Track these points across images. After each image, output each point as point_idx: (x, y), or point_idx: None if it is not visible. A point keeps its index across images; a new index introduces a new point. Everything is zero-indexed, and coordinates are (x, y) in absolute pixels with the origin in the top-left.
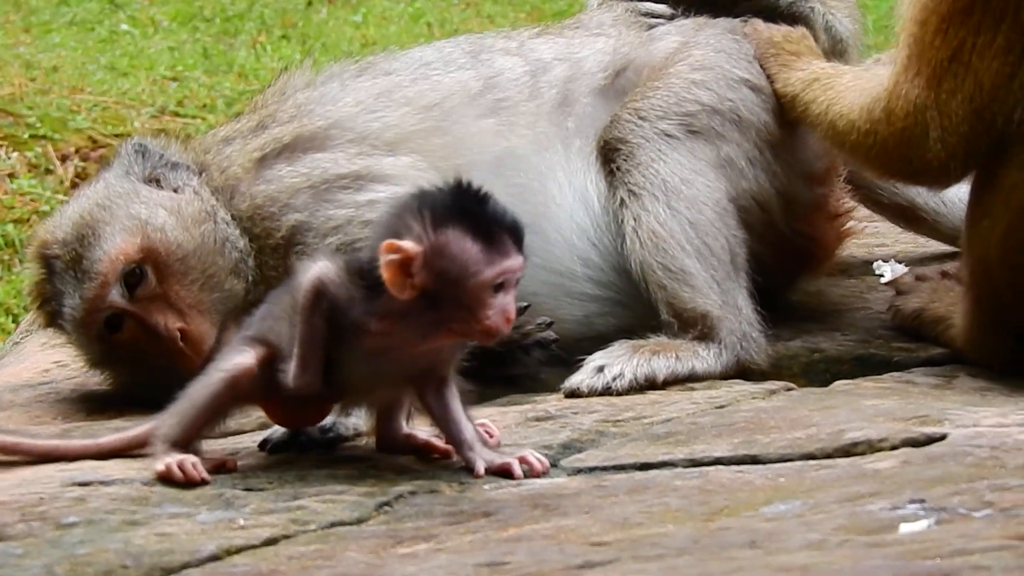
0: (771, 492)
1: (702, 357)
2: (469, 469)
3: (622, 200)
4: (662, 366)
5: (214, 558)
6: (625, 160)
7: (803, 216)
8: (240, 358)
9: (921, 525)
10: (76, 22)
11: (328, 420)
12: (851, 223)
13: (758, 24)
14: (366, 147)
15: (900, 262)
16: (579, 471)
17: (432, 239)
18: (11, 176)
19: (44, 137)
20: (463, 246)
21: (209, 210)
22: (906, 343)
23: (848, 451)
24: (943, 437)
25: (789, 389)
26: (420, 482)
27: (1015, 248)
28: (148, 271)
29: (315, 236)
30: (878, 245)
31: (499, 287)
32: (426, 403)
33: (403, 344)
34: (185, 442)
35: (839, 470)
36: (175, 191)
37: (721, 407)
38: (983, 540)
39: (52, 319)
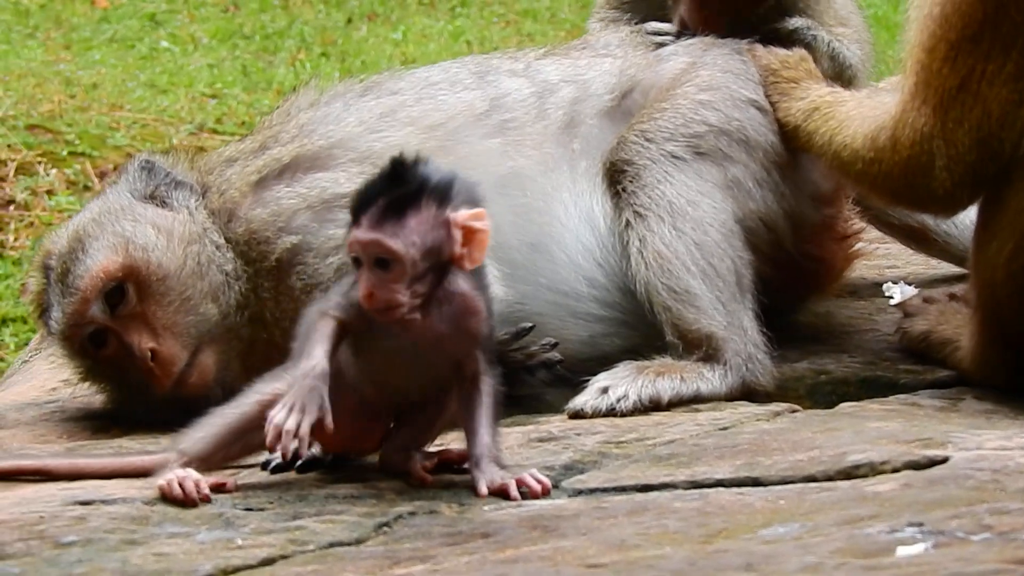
0: (770, 514)
1: (707, 379)
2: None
3: (628, 221)
4: (667, 388)
5: None
6: (631, 181)
7: (811, 237)
8: (278, 384)
9: (918, 548)
10: (116, 39)
11: None
12: (860, 244)
13: (757, 50)
14: (368, 167)
15: (910, 284)
16: (580, 492)
17: None
18: (49, 193)
19: (83, 154)
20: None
21: (200, 232)
22: (913, 365)
23: (849, 473)
24: (945, 460)
25: (794, 411)
26: (420, 503)
27: (1021, 270)
28: (130, 289)
29: (315, 256)
30: (889, 267)
31: (356, 261)
32: (457, 407)
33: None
34: (205, 460)
35: (839, 493)
36: (172, 210)
37: (725, 429)
38: (980, 564)
39: (48, 330)
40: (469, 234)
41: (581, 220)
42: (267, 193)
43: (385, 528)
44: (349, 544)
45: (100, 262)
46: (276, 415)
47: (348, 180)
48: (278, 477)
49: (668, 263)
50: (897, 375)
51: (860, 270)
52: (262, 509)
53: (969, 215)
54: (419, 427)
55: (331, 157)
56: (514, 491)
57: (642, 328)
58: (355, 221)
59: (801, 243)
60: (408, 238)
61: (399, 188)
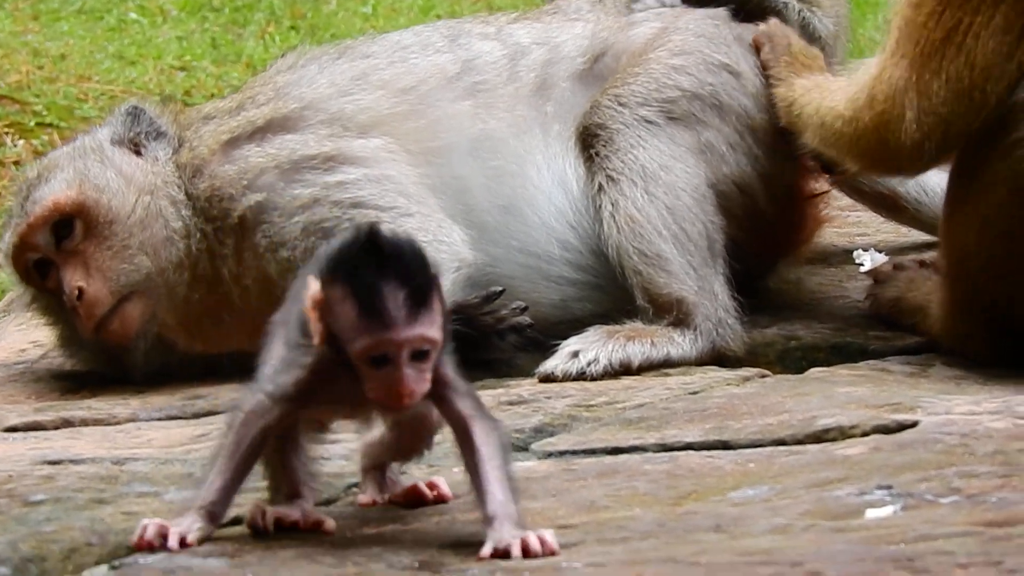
0: (739, 477)
1: (677, 343)
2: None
3: (600, 185)
4: (637, 352)
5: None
6: (604, 146)
7: (784, 200)
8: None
9: (887, 511)
10: (85, 10)
11: None
12: (829, 207)
13: (777, 26)
14: (338, 128)
15: (880, 251)
16: (550, 455)
17: (325, 290)
18: (16, 164)
19: (51, 125)
20: (344, 307)
21: (158, 184)
22: (883, 331)
23: (819, 437)
24: (914, 424)
25: (764, 376)
26: None
27: (993, 237)
28: (77, 225)
29: (280, 215)
30: (859, 234)
31: (381, 359)
32: (461, 452)
33: (338, 384)
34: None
35: (809, 456)
36: (142, 159)
37: (695, 393)
38: (948, 526)
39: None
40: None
41: (554, 183)
42: (236, 152)
43: (355, 488)
44: (318, 504)
45: (54, 193)
46: (145, 524)
47: (317, 142)
48: None
49: (640, 227)
50: (867, 341)
51: (830, 237)
52: None
53: (940, 182)
54: (403, 436)
55: (302, 119)
56: (516, 552)
57: (613, 292)
58: (383, 320)
59: (775, 205)
60: (439, 321)
61: (415, 272)
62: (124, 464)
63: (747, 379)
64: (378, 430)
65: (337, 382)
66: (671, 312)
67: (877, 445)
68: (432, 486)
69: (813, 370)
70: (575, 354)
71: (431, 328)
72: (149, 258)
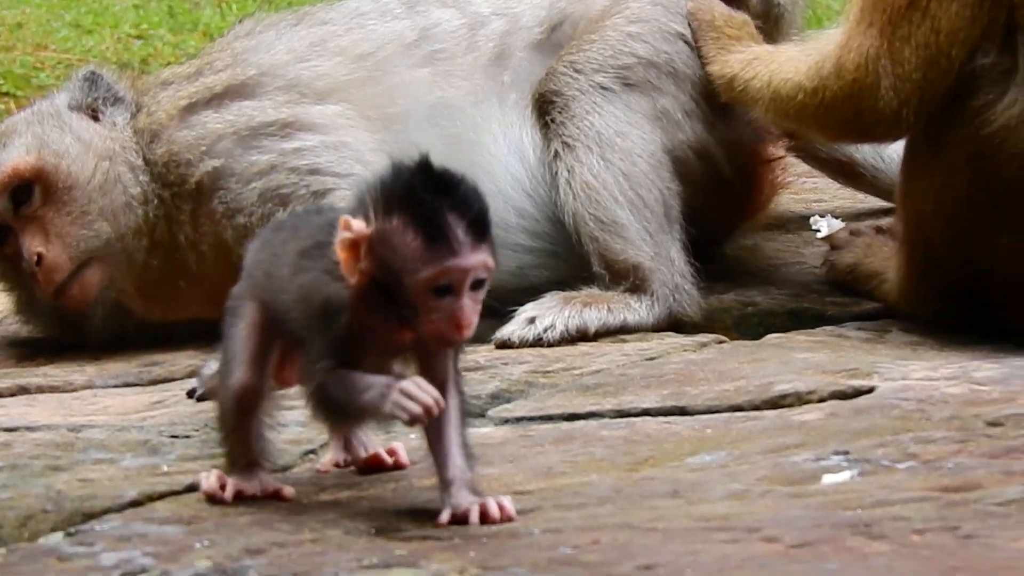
0: (697, 443)
1: (634, 309)
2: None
3: (556, 152)
4: (593, 318)
5: (136, 503)
6: (560, 112)
7: (742, 165)
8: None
9: (844, 476)
10: None
11: None
12: (785, 175)
13: (701, 3)
14: (295, 95)
15: (837, 217)
16: (506, 421)
17: (378, 223)
18: None
19: (7, 94)
20: (404, 238)
21: (116, 149)
22: (840, 297)
23: (776, 403)
24: (871, 390)
25: (720, 342)
26: None
27: (950, 202)
28: (36, 190)
29: (237, 181)
30: (816, 200)
31: (445, 289)
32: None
33: (376, 330)
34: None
35: (766, 422)
36: (100, 124)
37: (652, 359)
38: (904, 491)
39: None
40: None
41: (510, 151)
42: (194, 118)
43: (311, 455)
44: (276, 471)
45: (13, 159)
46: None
47: (274, 108)
48: (204, 405)
49: (596, 194)
50: (824, 307)
51: (787, 203)
52: (187, 436)
53: (898, 149)
54: None
55: (259, 85)
56: (475, 518)
57: (570, 259)
58: (450, 247)
59: (733, 170)
60: (494, 249)
61: (475, 199)
62: (80, 431)
63: (704, 345)
64: None
65: (374, 328)
66: (627, 278)
67: (834, 411)
68: (391, 452)
69: (770, 336)
70: (532, 320)
71: (491, 256)
72: (109, 224)
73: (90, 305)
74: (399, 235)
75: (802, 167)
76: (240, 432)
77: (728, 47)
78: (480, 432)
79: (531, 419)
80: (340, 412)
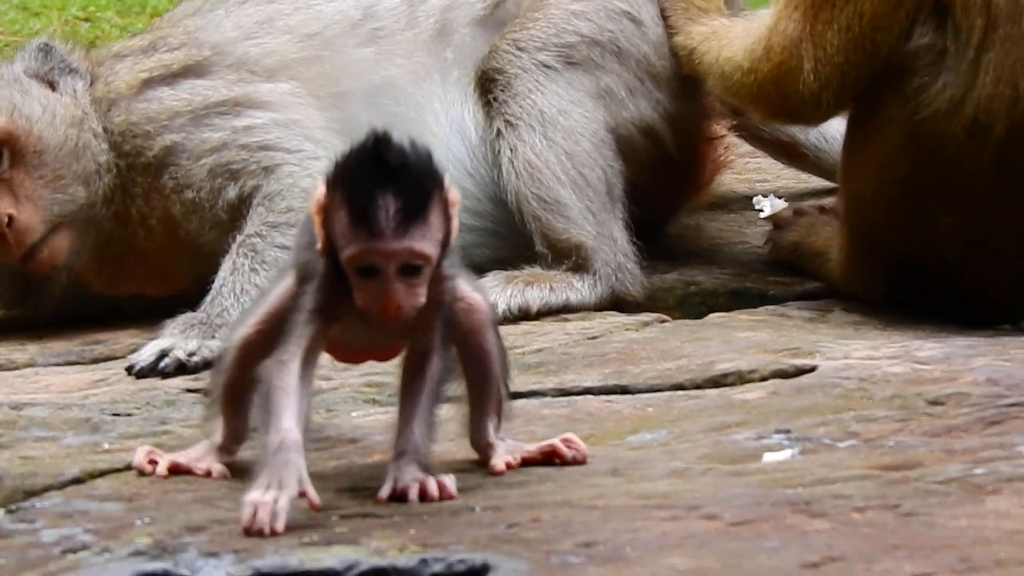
0: (638, 422)
1: (576, 288)
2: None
3: (499, 130)
4: (536, 297)
5: (77, 481)
6: (502, 91)
7: (687, 143)
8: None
9: (785, 455)
10: None
11: (193, 345)
12: (729, 155)
13: None
14: (245, 73)
15: (780, 197)
16: (448, 399)
17: (328, 194)
18: None
19: None
20: (339, 213)
21: (80, 116)
22: (782, 277)
23: (717, 382)
24: (813, 369)
25: (663, 321)
26: None
27: (890, 182)
28: (4, 153)
29: (188, 158)
30: (759, 180)
31: (368, 270)
32: (399, 385)
33: (341, 299)
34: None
35: (707, 400)
36: (59, 93)
37: (594, 338)
38: (845, 469)
39: None
40: (454, 207)
41: (452, 130)
42: (151, 92)
43: (254, 432)
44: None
45: None
46: (253, 494)
47: (226, 87)
48: (145, 383)
49: (539, 172)
50: (766, 287)
51: (731, 183)
52: (129, 415)
53: (841, 129)
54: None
55: (212, 65)
56: (413, 495)
57: (512, 238)
58: (371, 229)
59: (678, 148)
60: (434, 236)
61: (411, 182)
62: (22, 409)
63: (646, 324)
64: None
65: (340, 297)
66: (570, 257)
67: (775, 389)
68: (568, 443)
69: (712, 315)
70: None
71: (422, 242)
72: (83, 189)
73: (59, 270)
74: (336, 209)
75: (745, 147)
76: (240, 407)
77: (695, 18)
78: None
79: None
80: (258, 400)
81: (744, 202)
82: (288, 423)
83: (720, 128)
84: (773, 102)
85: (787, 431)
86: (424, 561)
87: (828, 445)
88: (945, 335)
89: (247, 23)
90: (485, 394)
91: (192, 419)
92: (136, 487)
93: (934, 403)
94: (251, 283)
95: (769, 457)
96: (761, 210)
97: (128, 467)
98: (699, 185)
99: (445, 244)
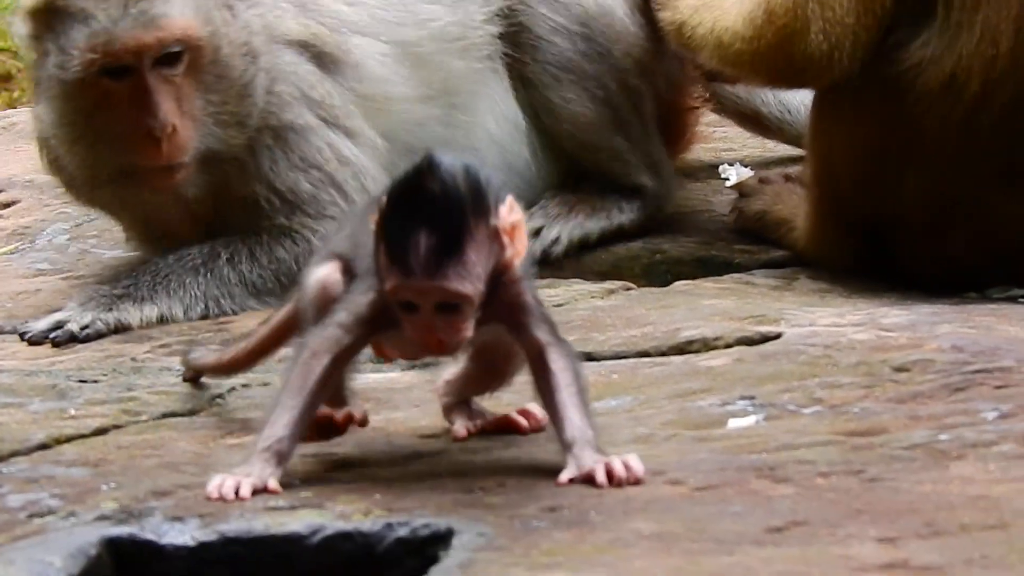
0: (603, 388)
1: (626, 211)
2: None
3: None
4: (595, 227)
5: (43, 447)
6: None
7: (664, 113)
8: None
9: (749, 421)
10: None
11: (88, 318)
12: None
13: None
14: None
15: (746, 165)
16: (412, 366)
17: (377, 219)
18: None
19: None
20: (378, 245)
21: (256, 50)
22: (748, 245)
23: (682, 349)
24: (778, 336)
25: (628, 289)
26: (254, 375)
27: (859, 143)
28: (184, 57)
29: (289, 155)
30: (725, 149)
31: (407, 305)
32: (535, 390)
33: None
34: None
35: (672, 367)
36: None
37: (559, 305)
38: (809, 435)
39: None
40: (512, 231)
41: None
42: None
43: (218, 400)
44: (182, 415)
45: (177, 17)
46: (216, 480)
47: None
48: (113, 349)
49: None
50: (732, 255)
51: (697, 152)
52: (96, 381)
53: (804, 100)
54: (484, 369)
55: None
56: (601, 476)
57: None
58: (404, 267)
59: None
60: (473, 273)
61: (447, 219)
62: None
63: (612, 292)
64: (456, 366)
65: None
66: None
67: (740, 356)
68: (524, 413)
69: (678, 283)
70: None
71: (458, 282)
72: (238, 134)
73: (172, 203)
74: (376, 240)
75: (711, 116)
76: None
77: None
78: (386, 376)
79: (437, 364)
80: (284, 374)
81: (710, 171)
82: (286, 431)
83: (695, 99)
84: (778, 67)
85: (752, 398)
86: (389, 525)
87: (793, 411)
88: (910, 303)
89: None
90: (492, 380)
91: (158, 386)
92: (102, 452)
93: (899, 370)
94: (183, 278)
95: (734, 423)
96: (727, 179)
97: (95, 432)
98: (674, 153)
99: (496, 273)
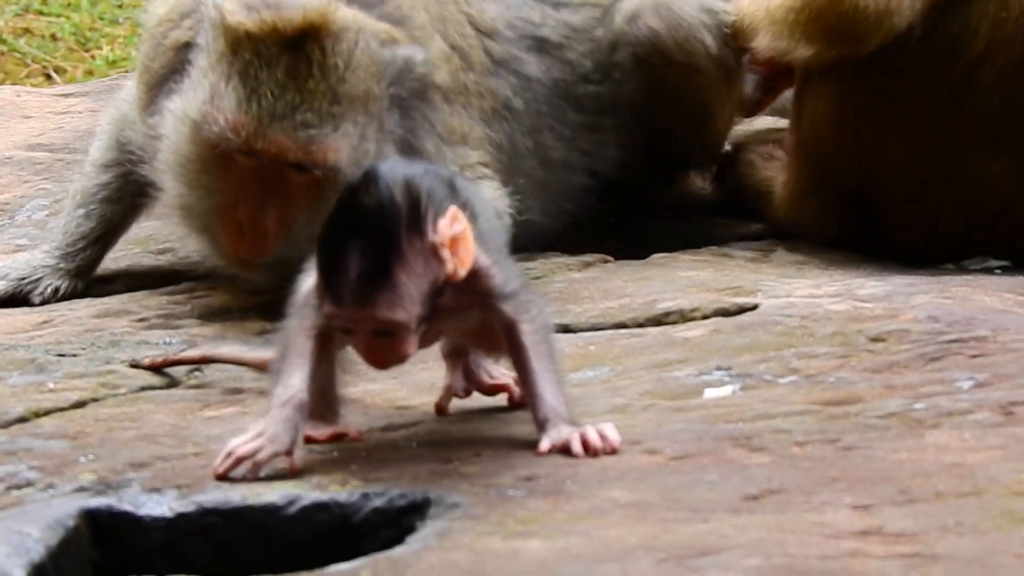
0: (580, 359)
1: None
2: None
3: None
4: None
5: (22, 420)
6: None
7: None
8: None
9: (726, 391)
10: None
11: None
12: None
13: None
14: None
15: None
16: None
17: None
18: None
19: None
20: (316, 265)
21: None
22: (726, 218)
23: (659, 320)
24: (755, 307)
25: (605, 261)
26: (231, 348)
27: (847, 109)
28: (314, 174)
29: None
30: None
31: (344, 328)
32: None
33: None
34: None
35: (649, 339)
36: None
37: (537, 278)
38: (786, 405)
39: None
40: (454, 244)
41: None
42: None
43: (197, 373)
44: (161, 388)
45: (332, 144)
46: (237, 441)
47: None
48: (91, 323)
49: None
50: (710, 228)
51: None
52: (74, 355)
53: None
54: (477, 341)
55: None
56: (576, 447)
57: None
58: (335, 295)
59: None
60: (405, 298)
61: (378, 241)
62: None
63: (589, 264)
64: None
65: None
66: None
67: (717, 327)
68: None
69: (655, 255)
70: None
71: (389, 311)
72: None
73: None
74: (315, 260)
75: None
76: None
77: None
78: None
79: None
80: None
81: None
82: (299, 382)
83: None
84: (833, 29)
85: (728, 368)
86: (365, 496)
87: (769, 381)
88: (887, 274)
89: None
90: (488, 348)
91: (137, 359)
92: (80, 425)
93: (875, 340)
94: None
95: (710, 393)
96: None
97: (74, 405)
98: None
99: (435, 288)
